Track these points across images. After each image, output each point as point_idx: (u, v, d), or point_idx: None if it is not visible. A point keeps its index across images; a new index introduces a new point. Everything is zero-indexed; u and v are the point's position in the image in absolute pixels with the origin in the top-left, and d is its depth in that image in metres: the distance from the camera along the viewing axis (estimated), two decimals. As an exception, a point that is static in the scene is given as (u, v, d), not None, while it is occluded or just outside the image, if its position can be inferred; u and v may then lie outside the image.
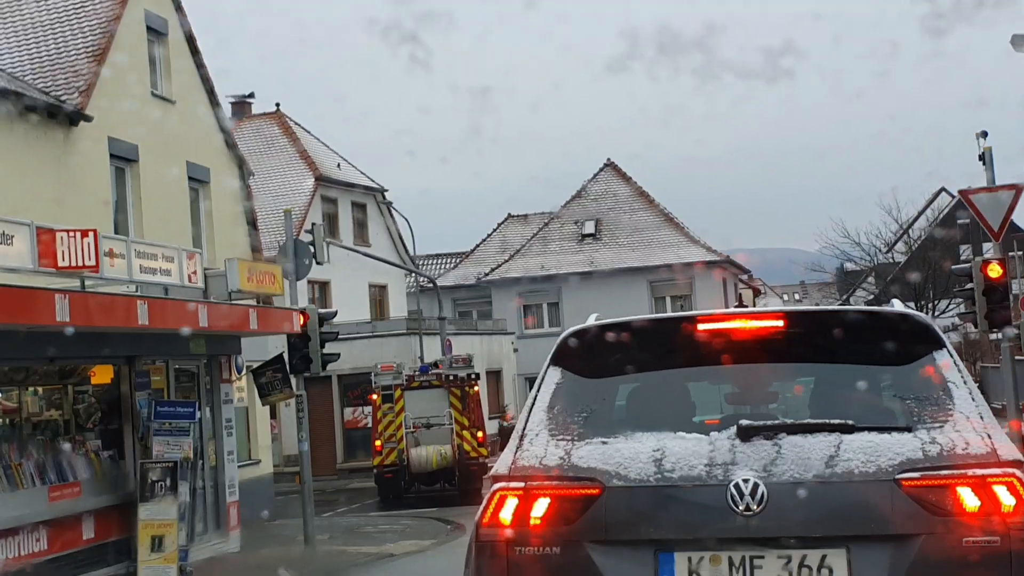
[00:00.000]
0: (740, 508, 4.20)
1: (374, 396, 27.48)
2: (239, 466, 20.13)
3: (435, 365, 28.39)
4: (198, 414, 17.02)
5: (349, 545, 19.52)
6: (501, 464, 4.63)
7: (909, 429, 4.37)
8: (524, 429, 4.71)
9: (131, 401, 16.64)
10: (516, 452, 4.61)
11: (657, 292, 47.86)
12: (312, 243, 20.76)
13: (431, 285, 41.40)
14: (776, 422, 4.48)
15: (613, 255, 48.23)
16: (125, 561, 16.03)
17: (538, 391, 4.85)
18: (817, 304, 58.50)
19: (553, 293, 48.13)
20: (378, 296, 43.17)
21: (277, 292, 20.02)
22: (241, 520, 19.24)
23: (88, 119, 19.53)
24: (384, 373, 27.27)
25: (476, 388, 27.77)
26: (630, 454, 4.41)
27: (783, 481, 4.23)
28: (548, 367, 4.91)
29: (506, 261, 49.36)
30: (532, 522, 4.39)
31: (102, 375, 16.86)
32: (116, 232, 19.19)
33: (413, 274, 44.76)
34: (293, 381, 19.78)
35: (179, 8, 23.14)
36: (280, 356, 19.76)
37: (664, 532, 4.26)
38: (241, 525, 19.19)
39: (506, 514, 4.43)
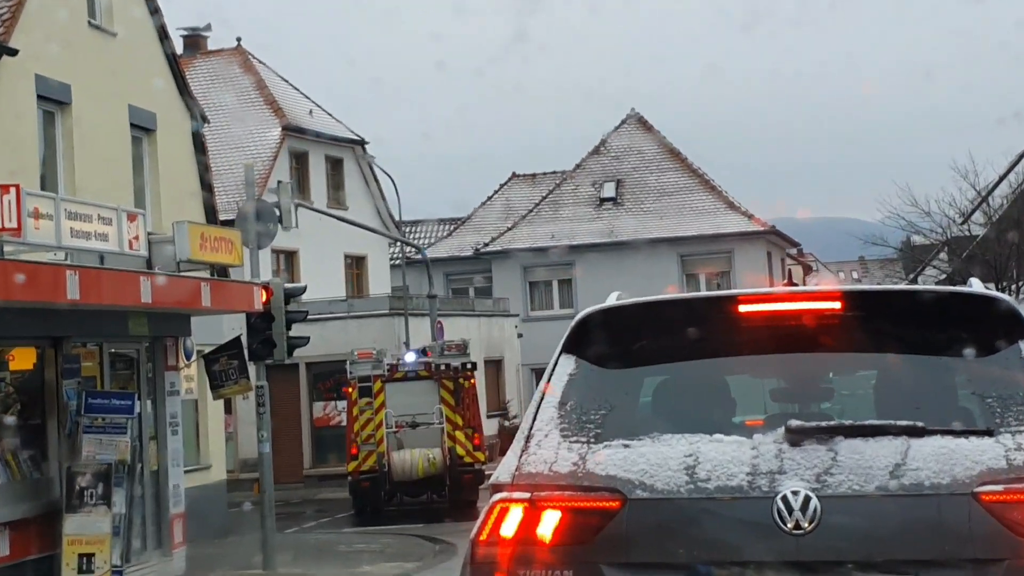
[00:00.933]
0: (788, 526, 4.20)
1: (349, 389, 27.55)
2: (186, 471, 20.17)
3: (423, 352, 28.44)
4: (137, 408, 17.03)
5: (317, 568, 19.59)
6: (502, 471, 4.63)
7: (990, 433, 4.36)
8: (531, 429, 4.70)
9: (57, 391, 16.65)
10: (521, 456, 4.62)
11: (689, 267, 47.90)
12: (278, 205, 20.74)
13: (419, 257, 41.44)
14: (831, 423, 4.47)
15: (637, 223, 48.25)
16: (49, 583, 16.06)
17: (547, 384, 4.85)
18: (879, 283, 58.30)
19: (566, 267, 48.16)
20: (356, 269, 43.20)
21: (235, 263, 20.02)
22: (188, 537, 19.29)
23: (12, 53, 19.47)
24: (362, 361, 27.33)
25: (472, 380, 27.83)
26: (657, 460, 4.40)
27: (839, 494, 4.23)
28: (560, 355, 4.91)
29: (509, 229, 49.41)
30: (539, 540, 4.39)
31: (22, 360, 16.85)
32: (43, 188, 19.17)
33: (398, 243, 44.76)
34: (252, 370, 19.80)
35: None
36: (237, 339, 19.77)
37: (697, 553, 4.26)
38: (188, 542, 19.25)
39: (508, 530, 4.44)
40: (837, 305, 4.75)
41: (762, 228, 47.74)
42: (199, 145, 25.18)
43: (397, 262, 44.83)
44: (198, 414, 23.91)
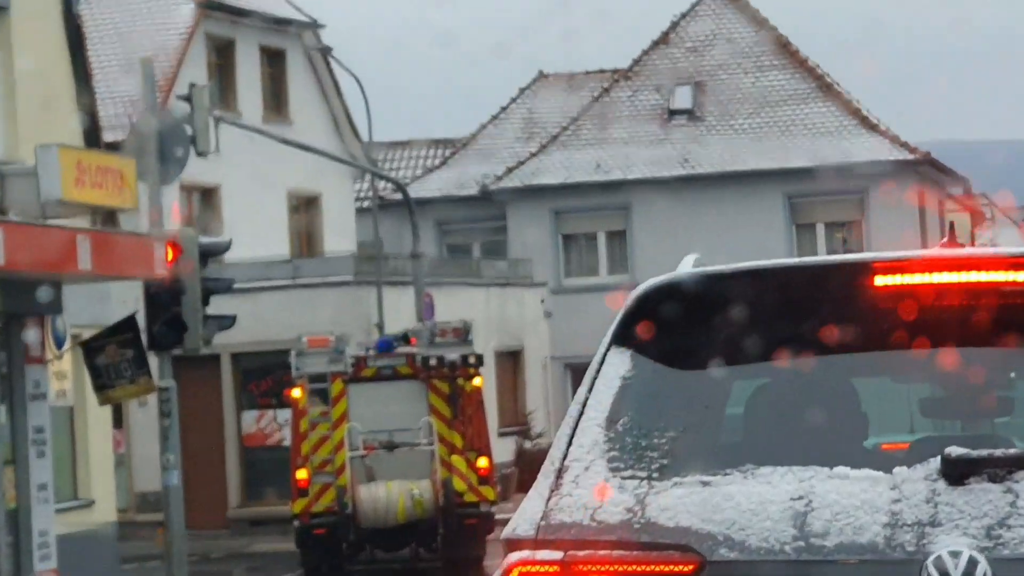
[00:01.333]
0: (944, 602, 4.23)
1: (295, 392, 27.63)
2: (58, 510, 20.24)
3: (404, 339, 28.48)
4: (-14, 419, 17.09)
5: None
6: (523, 518, 4.66)
7: None
8: (565, 458, 4.73)
9: None
10: (551, 498, 4.65)
11: (801, 215, 47.76)
12: (189, 119, 20.75)
13: (399, 197, 41.43)
14: (1011, 451, 4.49)
15: (724, 148, 48.16)
16: None
17: (590, 391, 4.87)
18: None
19: (617, 214, 48.08)
20: (305, 215, 43.20)
21: (127, 205, 20.05)
22: (61, 606, 19.37)
23: None
24: (314, 352, 27.37)
25: (477, 381, 27.88)
26: (751, 505, 4.43)
27: (1021, 555, 4.25)
28: (609, 348, 4.94)
29: (534, 156, 49.36)
30: (576, 619, 4.44)
31: None
32: None
33: (367, 177, 44.68)
34: (153, 364, 19.85)
35: None
36: (131, 320, 19.80)
37: (808, 643, 4.30)
38: (60, 614, 19.33)
39: (530, 606, 4.48)
40: (1023, 276, 4.76)
41: (911, 157, 47.60)
42: (74, 32, 25.18)
43: (366, 205, 44.80)
44: (75, 428, 23.98)
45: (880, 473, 4.46)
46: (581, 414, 4.83)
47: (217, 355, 33.41)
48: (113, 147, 24.24)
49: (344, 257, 37.80)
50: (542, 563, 4.49)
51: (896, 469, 4.46)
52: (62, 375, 22.40)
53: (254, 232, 36.58)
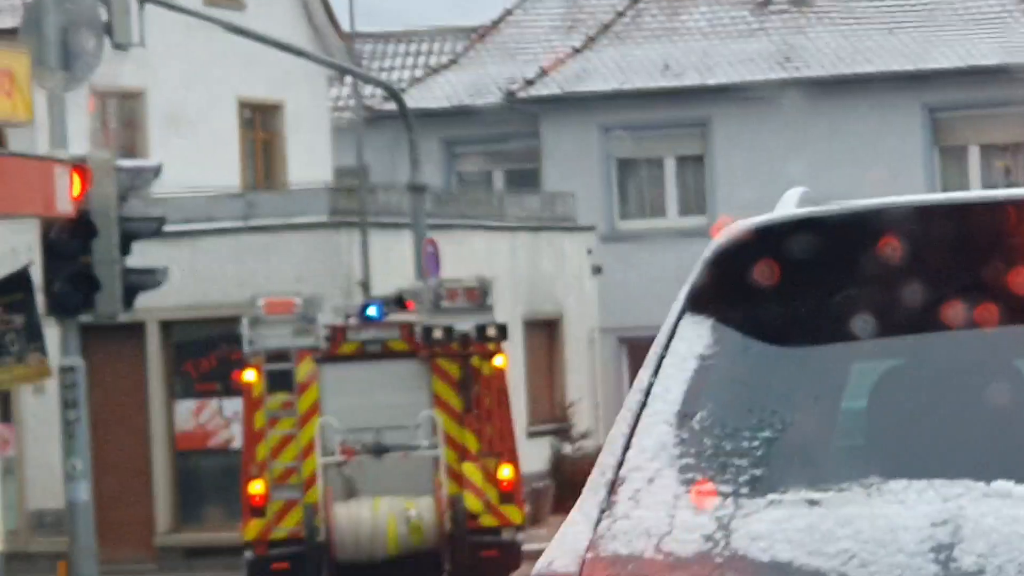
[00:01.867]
0: None
1: (249, 375, 27.74)
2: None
3: (399, 303, 28.58)
4: None
5: None
6: (562, 548, 4.69)
7: None
8: (622, 464, 4.76)
9: None
10: (601, 520, 4.67)
11: (948, 135, 47.73)
12: (104, -1, 20.79)
13: (392, 107, 41.44)
14: None
15: (840, 42, 48.14)
16: None
17: (656, 374, 4.89)
18: None
19: (692, 133, 48.13)
20: (263, 132, 43.28)
21: (19, 116, 20.13)
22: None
23: None
24: (274, 320, 27.52)
25: (499, 362, 27.97)
26: (877, 533, 4.45)
27: None
28: (683, 317, 4.96)
29: (578, 52, 49.39)
30: None
31: None
32: None
33: (348, 80, 44.64)
34: (53, 336, 19.92)
35: None
36: (22, 274, 19.89)
37: None
38: None
39: (571, 673, 4.51)
40: None
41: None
42: None
43: (346, 118, 44.84)
44: (-56, 423, 24.15)
45: (1056, 492, 4.48)
46: (643, 406, 4.85)
47: (142, 323, 33.59)
48: (1, 37, 24.33)
49: (316, 189, 37.93)
50: (588, 611, 4.52)
51: (1078, 487, 4.49)
52: (-72, 350, 22.55)
53: (193, 154, 36.70)
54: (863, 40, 48.13)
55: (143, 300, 20.45)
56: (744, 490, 4.63)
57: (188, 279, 30.77)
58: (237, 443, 30.90)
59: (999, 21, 48.16)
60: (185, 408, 36.22)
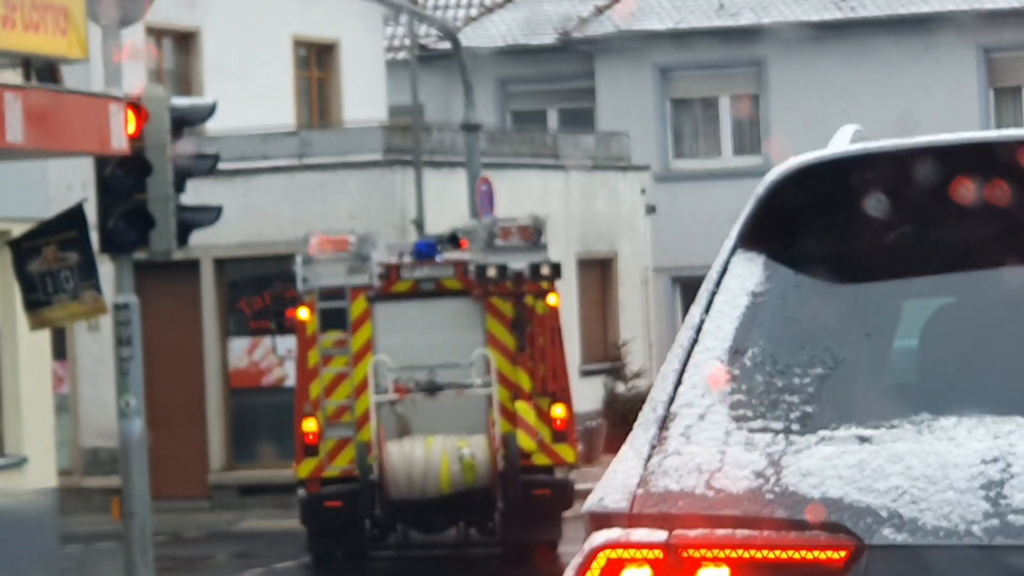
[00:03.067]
0: None
1: (302, 313, 27.77)
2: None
3: (453, 241, 28.57)
4: None
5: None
6: (613, 484, 4.69)
7: None
8: (673, 400, 4.76)
9: None
10: (651, 457, 4.67)
11: (1003, 75, 47.52)
12: (159, -64, 20.81)
13: (446, 45, 41.41)
14: None
15: (896, -18, 47.94)
16: None
17: (707, 312, 4.89)
18: None
19: (747, 72, 48.01)
20: (318, 71, 43.26)
21: (73, 54, 20.13)
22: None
23: None
24: (327, 258, 27.52)
25: (553, 300, 27.95)
26: (927, 470, 4.44)
27: None
28: (734, 254, 4.96)
29: (632, -9, 49.25)
30: (685, 624, 4.46)
31: None
32: None
33: (403, 18, 44.58)
34: (107, 273, 19.96)
35: None
36: (77, 211, 19.90)
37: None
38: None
39: (621, 607, 4.51)
40: None
41: None
42: None
43: (401, 57, 44.84)
44: (0, 359, 24.22)
45: (1106, 428, 4.47)
46: (695, 343, 4.85)
47: (196, 261, 33.69)
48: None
49: (370, 128, 37.92)
50: (640, 546, 4.52)
51: None
52: (-17, 287, 22.61)
53: (247, 94, 36.70)
54: (919, -21, 48.00)
55: (197, 238, 20.48)
56: (795, 427, 4.63)
57: (242, 217, 30.82)
58: (290, 381, 30.92)
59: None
60: (239, 346, 36.29)
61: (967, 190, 4.88)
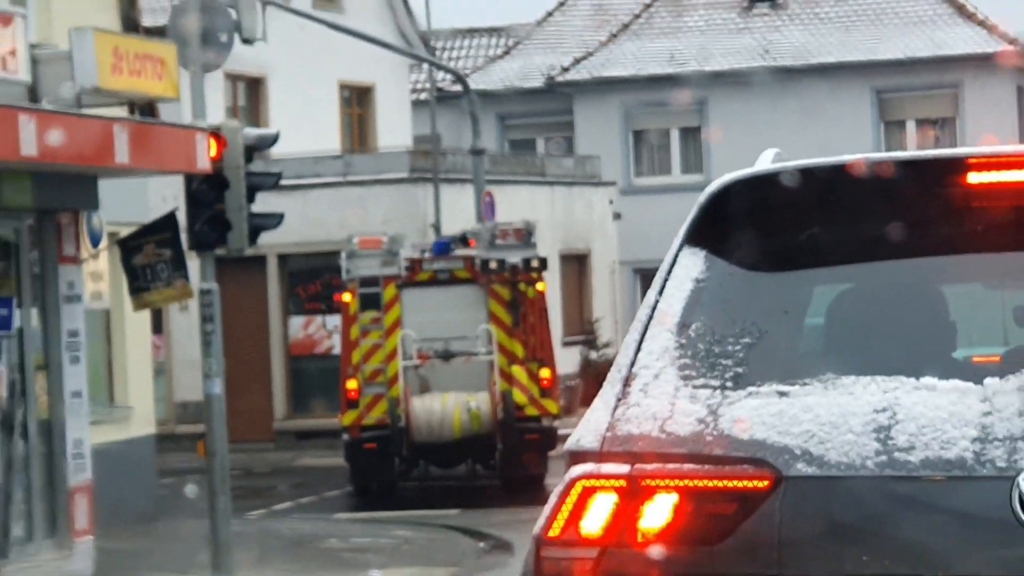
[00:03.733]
0: (1036, 523, 4.23)
1: (346, 297, 27.74)
2: (93, 420, 20.43)
3: (463, 241, 28.52)
4: (17, 320, 17.26)
5: (295, 571, 19.87)
6: (587, 430, 4.69)
7: None
8: (633, 365, 4.75)
9: None
10: (617, 408, 4.67)
11: (890, 111, 47.46)
12: (235, 4, 20.74)
13: (458, 89, 41.35)
14: (1111, 363, 4.47)
15: (808, 39, 47.87)
16: None
17: (660, 294, 4.88)
18: None
19: (691, 109, 47.89)
20: (358, 108, 43.20)
21: (167, 94, 20.10)
22: (97, 520, 19.59)
23: None
24: (365, 254, 27.47)
25: (540, 286, 27.90)
26: (831, 417, 4.44)
27: (1121, 475, 4.24)
28: (681, 249, 4.95)
29: (603, 46, 49.19)
30: (643, 539, 4.47)
31: None
32: None
33: (425, 67, 44.56)
34: (194, 266, 19.93)
35: None
36: (171, 217, 19.88)
37: (890, 564, 4.31)
38: (97, 528, 19.56)
39: (594, 523, 4.51)
40: None
41: (1009, 47, 47.17)
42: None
43: (423, 97, 44.76)
44: (111, 332, 24.18)
45: (970, 385, 4.45)
46: (650, 319, 4.84)
47: (263, 256, 33.61)
48: (153, 32, 24.27)
49: (399, 152, 37.84)
50: (607, 476, 4.52)
51: (987, 381, 4.46)
52: (98, 276, 22.54)
53: (303, 125, 36.62)
54: (825, 36, 47.91)
55: (264, 238, 20.37)
56: (729, 384, 4.63)
57: (299, 222, 30.73)
58: (336, 350, 30.87)
59: (931, 22, 47.89)
60: (296, 322, 36.25)
61: (862, 198, 4.88)
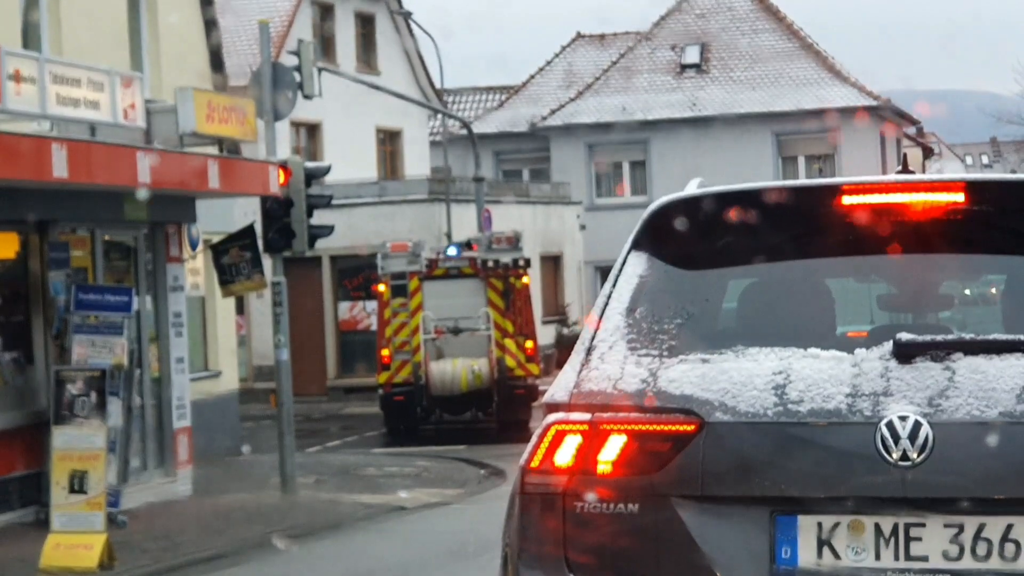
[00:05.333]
0: (894, 456, 4.22)
1: (380, 287, 27.73)
2: (192, 379, 20.45)
3: (468, 246, 28.51)
4: (135, 305, 17.24)
5: (343, 492, 19.89)
6: (559, 387, 4.68)
7: None
8: (593, 339, 4.74)
9: (43, 285, 16.86)
10: (581, 371, 4.66)
11: (787, 149, 47.52)
12: (298, 68, 20.72)
13: (464, 132, 41.36)
14: (949, 337, 4.48)
15: (725, 94, 47.88)
16: (34, 505, 16.43)
17: (614, 287, 4.86)
18: (1014, 171, 57.90)
19: (639, 147, 47.91)
20: (389, 146, 43.18)
21: (247, 137, 20.08)
22: (195, 454, 19.62)
23: None
24: (395, 255, 27.46)
25: (525, 279, 27.90)
26: (741, 378, 4.43)
27: (956, 420, 4.23)
28: (629, 253, 4.92)
29: (572, 100, 49.18)
30: (600, 468, 4.45)
31: (2, 247, 17.07)
32: (25, 47, 19.24)
33: (439, 116, 44.64)
34: (268, 264, 19.94)
35: None
36: (250, 228, 19.88)
37: (785, 487, 4.30)
38: (194, 460, 19.58)
39: (564, 456, 4.49)
40: (960, 197, 4.72)
41: (875, 103, 47.26)
42: (206, -3, 25.11)
43: (438, 138, 44.77)
44: (205, 314, 24.18)
45: (844, 354, 4.45)
46: (606, 305, 4.82)
47: (319, 257, 33.61)
48: (237, 90, 24.25)
49: (420, 180, 37.83)
50: (574, 422, 4.51)
51: (857, 351, 4.45)
52: (195, 271, 22.55)
53: (348, 159, 36.61)
54: (738, 94, 47.96)
55: (319, 244, 20.38)
56: (665, 353, 4.61)
57: (345, 231, 30.66)
58: (373, 327, 30.85)
59: (815, 83, 48.00)
60: (344, 307, 36.24)
61: (764, 215, 4.87)
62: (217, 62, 25.43)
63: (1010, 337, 4.40)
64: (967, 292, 6.35)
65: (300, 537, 16.18)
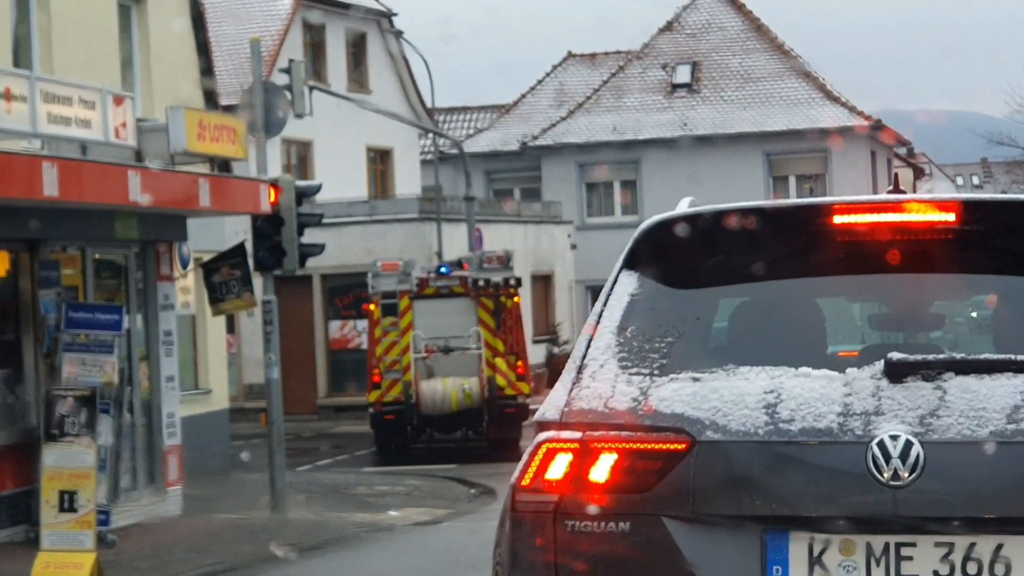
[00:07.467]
0: (885, 476, 4.22)
1: (371, 306, 27.71)
2: (183, 397, 20.41)
3: (458, 265, 28.51)
4: (126, 323, 17.23)
5: (333, 510, 19.86)
6: (550, 406, 4.68)
7: None
8: (584, 358, 4.73)
9: (33, 303, 16.85)
10: (572, 390, 4.65)
11: (777, 169, 47.59)
12: (289, 87, 20.74)
13: (455, 151, 41.40)
14: (940, 356, 4.48)
15: (716, 114, 47.96)
16: (24, 523, 16.39)
17: (605, 305, 4.86)
18: (1004, 191, 57.94)
19: (629, 166, 47.96)
20: (380, 165, 43.20)
21: (238, 155, 20.10)
22: (184, 472, 19.58)
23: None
24: (386, 274, 27.44)
25: (516, 298, 27.90)
26: (732, 397, 4.43)
27: (947, 439, 4.24)
28: (620, 272, 4.93)
29: (563, 119, 49.22)
30: (591, 487, 4.45)
31: (-6, 265, 17.05)
32: (16, 65, 19.25)
33: (430, 135, 44.65)
34: (258, 282, 19.93)
35: None
36: (241, 246, 19.88)
37: (776, 506, 4.30)
38: (184, 479, 19.54)
39: (555, 474, 4.49)
40: (952, 217, 4.73)
41: (866, 123, 47.35)
42: (197, 16, 25.15)
43: (428, 157, 44.80)
44: (196, 332, 24.15)
45: (836, 373, 4.45)
46: (597, 324, 4.82)
47: (309, 276, 33.61)
48: (228, 109, 24.27)
49: (411, 199, 37.83)
50: (565, 440, 4.51)
51: (849, 370, 4.46)
52: (186, 290, 22.54)
53: (339, 178, 36.62)
54: (729, 113, 48.04)
55: (310, 262, 20.37)
56: (656, 372, 4.61)
57: (336, 250, 30.67)
58: (364, 345, 30.85)
59: (806, 103, 48.08)
60: (335, 325, 36.22)
61: (755, 233, 4.88)
62: (209, 81, 25.44)
63: (1001, 357, 4.41)
64: (974, 315, 6.33)
65: (291, 555, 16.15)
